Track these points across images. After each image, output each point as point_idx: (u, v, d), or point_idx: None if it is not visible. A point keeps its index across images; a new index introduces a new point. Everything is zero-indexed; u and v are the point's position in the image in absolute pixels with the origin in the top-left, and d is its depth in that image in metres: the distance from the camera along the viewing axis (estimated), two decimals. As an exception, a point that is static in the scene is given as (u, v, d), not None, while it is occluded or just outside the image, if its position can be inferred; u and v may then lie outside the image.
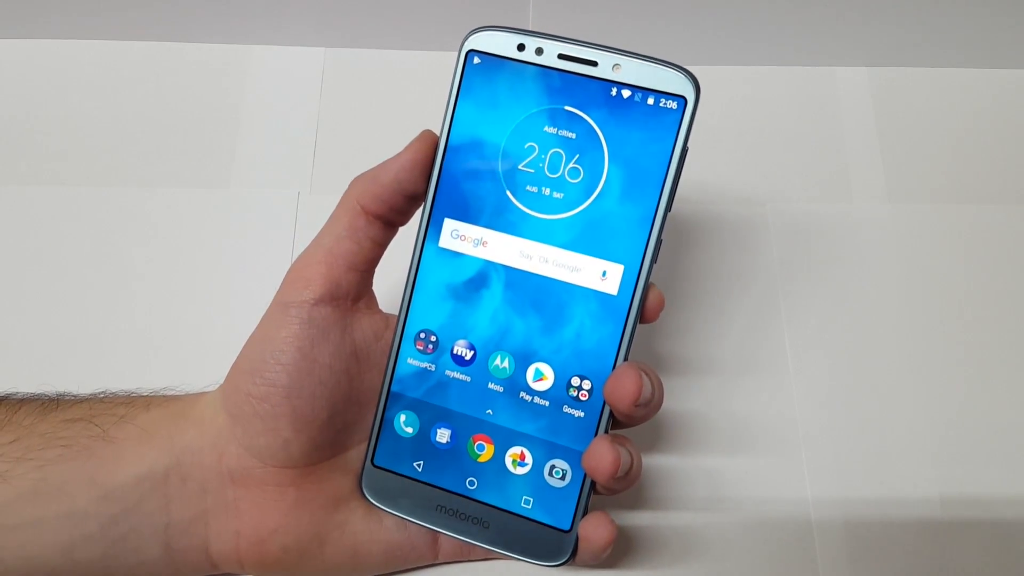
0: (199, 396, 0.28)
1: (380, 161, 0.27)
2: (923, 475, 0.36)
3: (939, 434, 0.37)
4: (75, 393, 0.29)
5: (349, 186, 0.27)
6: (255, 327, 0.27)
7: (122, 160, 0.42)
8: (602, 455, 0.25)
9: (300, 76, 0.44)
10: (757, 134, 0.44)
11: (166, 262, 0.40)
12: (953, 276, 0.41)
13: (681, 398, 0.38)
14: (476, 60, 0.27)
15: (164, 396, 0.29)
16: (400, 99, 0.44)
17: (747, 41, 0.44)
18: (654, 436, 0.37)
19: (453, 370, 0.28)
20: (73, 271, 0.39)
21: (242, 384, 0.26)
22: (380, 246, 0.28)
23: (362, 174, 0.27)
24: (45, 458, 0.26)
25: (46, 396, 0.28)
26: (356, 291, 0.27)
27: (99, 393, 0.29)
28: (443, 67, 0.46)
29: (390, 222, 0.27)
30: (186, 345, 0.38)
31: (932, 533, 0.35)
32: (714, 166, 0.42)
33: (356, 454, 0.28)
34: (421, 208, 0.27)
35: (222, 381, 0.28)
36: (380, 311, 0.29)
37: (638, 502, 0.35)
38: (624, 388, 0.25)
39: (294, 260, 0.28)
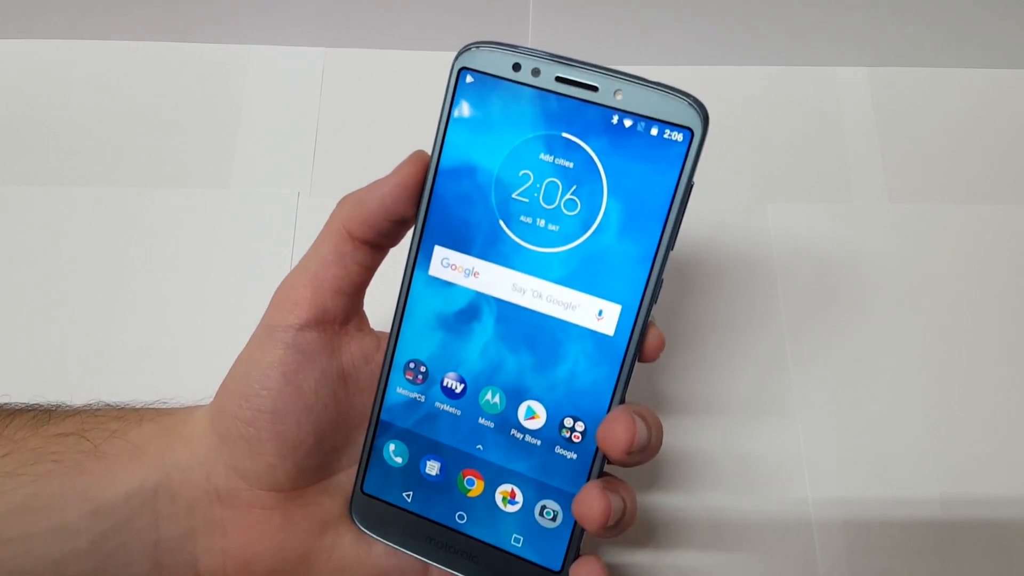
0: (191, 411, 0.28)
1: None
2: (923, 475, 0.36)
3: (939, 434, 0.37)
4: (68, 404, 0.28)
5: (336, 207, 0.26)
6: (244, 346, 0.27)
7: (122, 160, 0.42)
8: (592, 504, 0.24)
9: (300, 76, 0.44)
10: (757, 134, 0.44)
11: (166, 262, 0.40)
12: (953, 276, 0.41)
13: (683, 402, 0.38)
14: (469, 79, 0.25)
15: (157, 410, 0.29)
16: (400, 99, 0.44)
17: (747, 41, 0.44)
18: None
19: (443, 402, 0.27)
20: (73, 271, 0.39)
21: (229, 406, 0.26)
22: (368, 269, 0.27)
23: (348, 196, 0.26)
24: (36, 473, 0.25)
25: (39, 407, 0.28)
26: (344, 314, 0.27)
27: (92, 404, 0.29)
28: (443, 67, 0.46)
29: (378, 246, 0.26)
30: (186, 345, 0.38)
31: (932, 533, 0.35)
32: (714, 166, 0.42)
33: (345, 478, 0.28)
34: (411, 233, 0.26)
35: (216, 391, 0.28)
36: (371, 331, 0.28)
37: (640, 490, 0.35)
38: (616, 435, 0.24)
39: (283, 278, 0.27)
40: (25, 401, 0.28)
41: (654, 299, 0.25)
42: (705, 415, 0.37)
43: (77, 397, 0.29)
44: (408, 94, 0.44)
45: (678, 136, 0.24)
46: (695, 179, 0.24)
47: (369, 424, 0.27)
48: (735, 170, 0.43)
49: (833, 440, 0.37)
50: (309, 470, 0.27)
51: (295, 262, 0.40)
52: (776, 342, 0.39)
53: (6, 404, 0.28)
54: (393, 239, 0.27)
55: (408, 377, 0.27)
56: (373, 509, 0.27)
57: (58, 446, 0.26)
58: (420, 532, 0.27)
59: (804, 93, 0.45)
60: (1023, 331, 0.40)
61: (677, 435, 0.37)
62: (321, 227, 0.27)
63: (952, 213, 0.42)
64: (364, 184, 0.26)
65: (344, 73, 0.45)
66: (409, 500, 0.27)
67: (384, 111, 0.44)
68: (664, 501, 0.36)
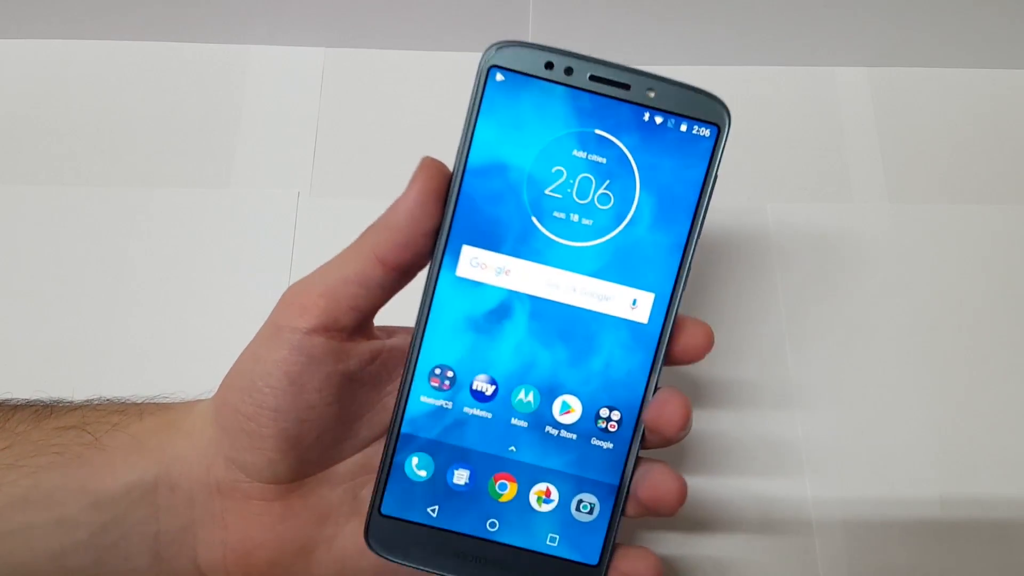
0: (192, 405, 0.28)
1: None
2: (923, 475, 0.36)
3: (939, 434, 0.37)
4: (70, 399, 0.29)
5: (362, 236, 0.26)
6: (249, 340, 0.27)
7: (122, 160, 0.42)
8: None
9: (300, 76, 0.44)
10: (757, 134, 0.44)
11: (166, 262, 0.40)
12: (953, 276, 0.41)
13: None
14: (499, 77, 0.25)
15: (158, 404, 0.29)
16: (400, 99, 0.44)
17: (747, 41, 0.44)
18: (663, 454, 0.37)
19: (472, 407, 0.26)
20: (72, 271, 0.39)
21: (231, 399, 0.26)
22: (389, 293, 0.26)
23: (372, 225, 0.26)
24: (37, 465, 0.25)
25: (40, 403, 0.28)
26: (355, 325, 0.26)
27: (93, 400, 0.29)
28: (443, 67, 0.46)
29: (408, 271, 0.26)
30: (184, 344, 0.38)
31: (932, 533, 0.35)
32: (714, 166, 0.42)
33: (345, 468, 0.28)
34: (438, 235, 0.26)
35: (217, 387, 0.28)
36: (377, 334, 0.28)
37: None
38: (671, 415, 0.25)
39: (296, 281, 0.27)
40: (26, 397, 0.28)
41: (685, 285, 0.26)
42: (704, 416, 0.37)
43: (78, 395, 0.29)
44: (408, 94, 0.44)
45: (706, 132, 0.25)
46: (719, 172, 0.25)
47: (387, 440, 0.26)
48: (735, 170, 0.43)
49: (833, 440, 0.37)
50: (310, 463, 0.27)
51: (295, 262, 0.40)
52: (776, 341, 0.39)
53: (8, 399, 0.28)
54: (425, 258, 0.26)
55: (434, 384, 0.26)
56: (393, 531, 0.26)
57: (59, 439, 0.26)
58: (447, 547, 0.26)
59: (804, 93, 0.45)
60: (1022, 331, 0.40)
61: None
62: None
63: (952, 213, 0.42)
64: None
65: (344, 73, 0.45)
66: (435, 515, 0.26)
67: (384, 111, 0.44)
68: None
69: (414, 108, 0.43)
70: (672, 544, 0.35)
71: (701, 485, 0.36)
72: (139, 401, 0.29)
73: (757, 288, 0.40)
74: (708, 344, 0.26)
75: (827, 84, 0.45)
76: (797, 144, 0.44)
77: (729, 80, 0.45)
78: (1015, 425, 0.38)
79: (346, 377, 0.26)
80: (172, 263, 0.40)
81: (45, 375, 0.37)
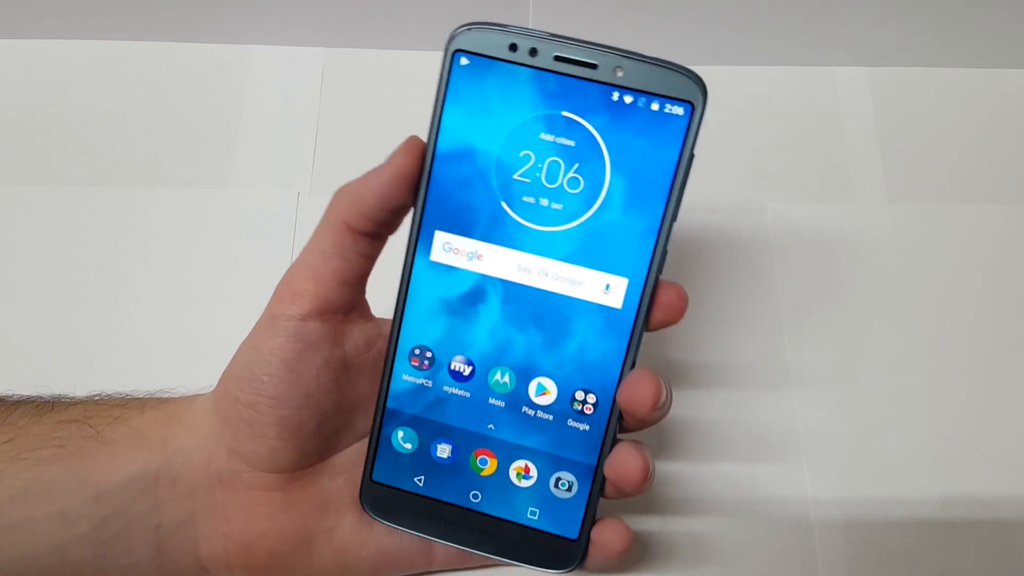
0: (193, 399, 0.28)
1: (380, 162, 0.27)
2: (923, 475, 0.36)
3: (939, 434, 0.37)
4: (71, 395, 0.29)
5: (332, 202, 0.26)
6: (248, 333, 0.27)
7: (122, 160, 0.42)
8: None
9: (300, 76, 0.44)
10: (757, 134, 0.44)
11: (166, 262, 0.40)
12: (953, 276, 0.41)
13: (681, 402, 0.38)
14: (464, 61, 0.25)
15: (159, 398, 0.29)
16: (400, 99, 0.44)
17: (747, 41, 0.44)
18: (655, 441, 0.37)
19: (451, 386, 0.27)
20: (72, 271, 0.39)
21: (231, 389, 0.26)
22: (370, 259, 0.27)
23: (344, 188, 0.26)
24: (39, 458, 0.26)
25: (41, 398, 0.28)
26: (347, 304, 0.27)
27: (95, 395, 0.29)
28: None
29: (378, 236, 0.26)
30: (185, 345, 0.38)
31: (932, 533, 0.35)
32: (713, 166, 0.42)
33: (344, 458, 0.28)
34: (411, 220, 0.26)
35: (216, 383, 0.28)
36: (373, 318, 0.28)
37: (640, 505, 0.35)
38: (642, 394, 0.25)
39: (288, 268, 0.27)
40: (28, 394, 0.29)
41: (660, 270, 0.25)
42: (703, 417, 0.37)
43: (79, 393, 0.29)
44: (408, 94, 0.44)
45: (679, 110, 0.24)
46: (696, 151, 0.25)
47: (375, 413, 0.27)
48: (735, 170, 0.43)
49: (832, 440, 0.37)
50: (310, 452, 0.27)
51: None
52: (775, 342, 0.39)
53: (9, 395, 0.28)
54: (392, 227, 0.27)
55: (414, 364, 0.27)
56: (384, 496, 0.28)
57: (61, 432, 0.26)
58: (434, 515, 0.27)
59: (804, 93, 0.45)
60: (1022, 331, 0.39)
61: (672, 439, 0.37)
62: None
63: (952, 213, 0.42)
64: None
65: (344, 73, 0.45)
66: (421, 484, 0.27)
67: (384, 111, 0.44)
68: (663, 467, 0.36)
69: (414, 108, 0.43)
70: (667, 547, 0.35)
71: (700, 488, 0.36)
72: (140, 396, 0.29)
73: (757, 288, 0.40)
74: (682, 304, 0.26)
75: (827, 84, 0.45)
76: (797, 144, 0.44)
77: (729, 80, 0.45)
78: (1015, 425, 0.38)
79: (343, 363, 0.27)
80: (172, 263, 0.40)
81: (46, 374, 0.37)
